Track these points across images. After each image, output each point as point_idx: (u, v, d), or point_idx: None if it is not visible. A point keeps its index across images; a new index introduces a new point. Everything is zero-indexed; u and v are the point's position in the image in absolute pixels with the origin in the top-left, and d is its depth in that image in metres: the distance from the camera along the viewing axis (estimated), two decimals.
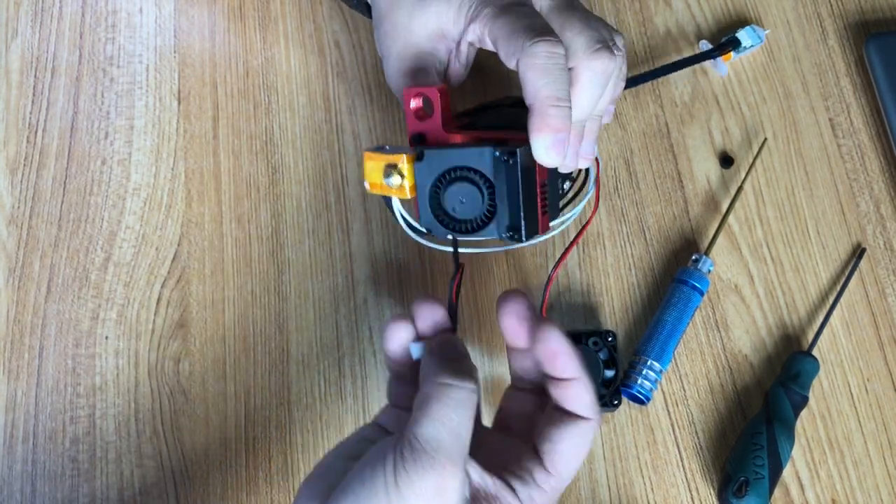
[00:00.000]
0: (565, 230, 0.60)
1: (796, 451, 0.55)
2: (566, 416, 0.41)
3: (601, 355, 0.55)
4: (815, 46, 0.66)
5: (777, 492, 0.54)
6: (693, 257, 0.58)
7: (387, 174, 0.46)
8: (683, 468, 0.55)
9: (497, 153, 0.44)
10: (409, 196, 0.47)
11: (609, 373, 0.55)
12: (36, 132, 0.61)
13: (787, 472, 0.55)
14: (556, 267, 0.53)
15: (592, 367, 0.54)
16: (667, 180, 0.62)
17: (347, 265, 0.59)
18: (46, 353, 0.56)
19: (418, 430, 0.37)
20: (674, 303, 0.56)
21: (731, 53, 0.64)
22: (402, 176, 0.46)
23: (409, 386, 0.42)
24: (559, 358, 0.41)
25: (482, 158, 0.45)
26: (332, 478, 0.39)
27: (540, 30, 0.44)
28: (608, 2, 0.67)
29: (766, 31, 0.65)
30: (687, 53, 0.65)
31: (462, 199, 0.46)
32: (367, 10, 0.57)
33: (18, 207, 0.60)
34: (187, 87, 0.63)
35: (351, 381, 0.56)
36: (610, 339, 0.56)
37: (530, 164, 0.45)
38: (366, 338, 0.57)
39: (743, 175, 0.60)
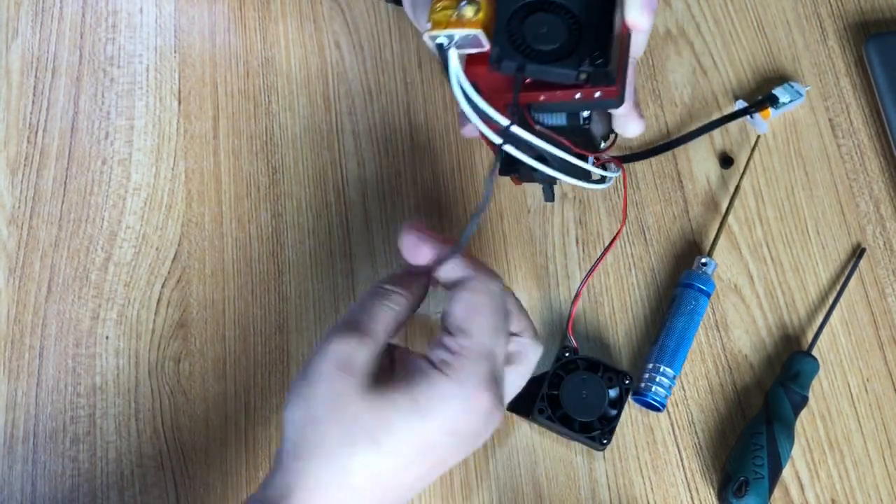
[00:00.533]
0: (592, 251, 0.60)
1: (796, 451, 0.55)
2: (452, 290, 0.43)
3: (611, 392, 0.54)
4: (815, 46, 0.66)
5: (777, 492, 0.54)
6: (702, 260, 0.57)
7: (460, 2, 0.42)
8: (683, 468, 0.55)
9: None
10: (481, 29, 0.41)
11: (612, 411, 0.54)
12: (36, 132, 0.62)
13: (786, 472, 0.55)
14: (583, 282, 0.52)
15: (597, 397, 0.54)
16: (667, 180, 0.62)
17: (347, 265, 0.59)
18: (47, 352, 0.56)
19: (344, 315, 0.43)
20: (683, 308, 0.56)
21: (770, 110, 0.62)
22: (478, 3, 0.42)
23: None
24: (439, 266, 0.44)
25: None
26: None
27: None
28: None
29: (808, 88, 0.63)
30: (686, 54, 0.65)
31: (543, 29, 0.42)
32: None
33: (19, 207, 0.60)
34: (187, 87, 0.63)
35: None
36: (626, 381, 0.54)
37: (618, 9, 0.43)
38: None
39: (740, 174, 0.60)
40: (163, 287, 0.58)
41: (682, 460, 0.55)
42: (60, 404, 0.55)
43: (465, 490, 0.54)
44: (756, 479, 0.52)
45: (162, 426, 0.55)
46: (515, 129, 0.43)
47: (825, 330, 0.58)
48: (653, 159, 0.62)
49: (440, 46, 0.42)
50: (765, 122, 0.62)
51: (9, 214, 0.59)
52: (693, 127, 0.62)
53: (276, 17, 0.66)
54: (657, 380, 0.54)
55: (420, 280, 0.45)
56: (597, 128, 0.48)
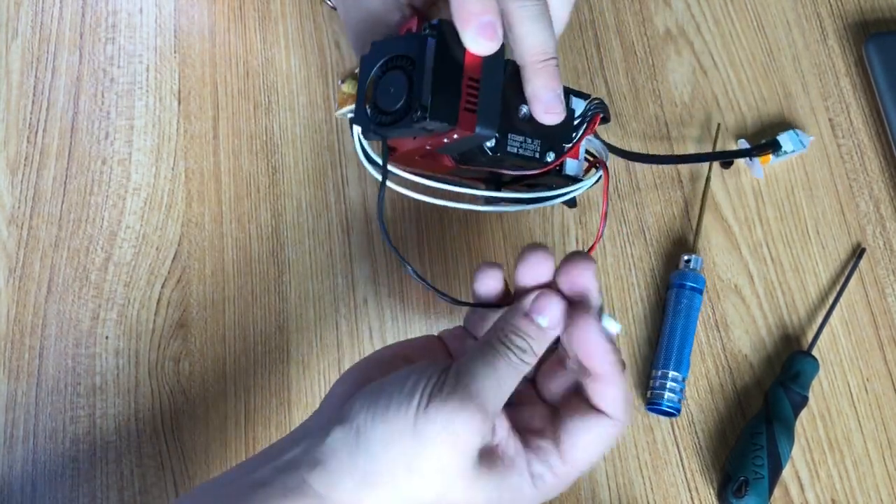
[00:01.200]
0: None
1: (796, 451, 0.55)
2: (592, 409, 0.41)
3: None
4: (815, 46, 0.66)
5: (777, 492, 0.54)
6: (684, 258, 0.58)
7: (344, 81, 0.43)
8: (683, 468, 0.55)
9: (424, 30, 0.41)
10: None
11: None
12: (36, 132, 0.62)
13: (786, 472, 0.55)
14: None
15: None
16: (667, 180, 0.62)
17: (347, 265, 0.59)
18: (46, 353, 0.56)
19: (470, 367, 0.38)
20: (678, 309, 0.56)
21: (770, 156, 0.60)
22: (354, 79, 0.43)
23: (485, 316, 0.44)
24: (595, 354, 0.40)
25: (412, 41, 0.42)
26: (377, 370, 0.42)
27: None
28: (608, 2, 0.67)
29: (811, 139, 0.62)
30: (686, 54, 0.65)
31: (391, 89, 0.42)
32: None
33: (19, 207, 0.60)
34: (187, 87, 0.63)
35: None
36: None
37: (454, 44, 0.41)
38: (366, 338, 0.57)
39: (706, 178, 0.60)
40: (163, 287, 0.58)
41: (682, 460, 0.55)
42: (60, 404, 0.55)
43: None
44: (756, 479, 0.52)
45: (162, 426, 0.55)
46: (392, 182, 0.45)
47: (825, 330, 0.58)
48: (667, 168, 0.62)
49: (349, 120, 0.44)
50: (762, 167, 0.61)
51: (9, 214, 0.59)
52: (690, 146, 0.62)
53: (276, 17, 0.66)
54: (668, 386, 0.54)
55: (550, 339, 0.41)
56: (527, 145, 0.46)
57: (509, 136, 0.45)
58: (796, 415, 0.55)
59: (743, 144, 0.61)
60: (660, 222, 0.61)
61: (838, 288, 0.59)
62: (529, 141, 0.45)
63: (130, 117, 0.62)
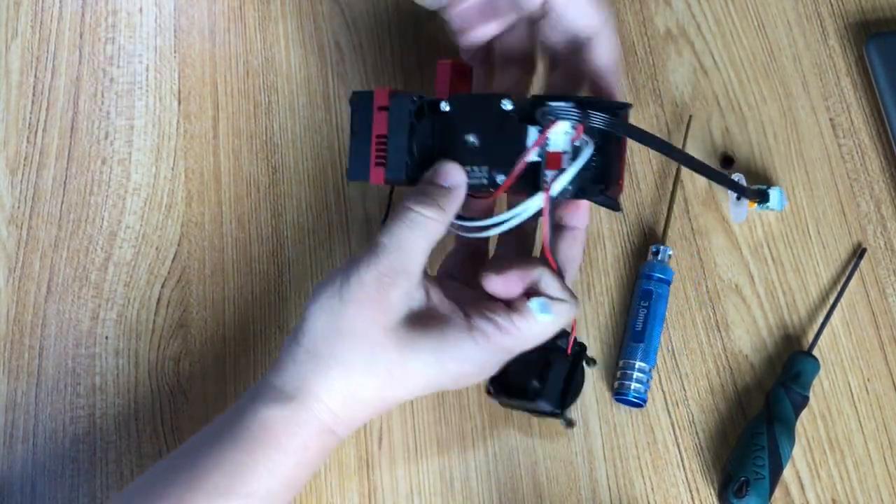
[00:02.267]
0: None
1: (797, 452, 0.55)
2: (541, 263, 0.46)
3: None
4: (815, 46, 0.66)
5: (777, 492, 0.54)
6: (652, 249, 0.58)
7: None
8: (684, 468, 0.55)
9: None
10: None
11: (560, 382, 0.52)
12: (36, 132, 0.61)
13: (787, 473, 0.55)
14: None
15: (546, 368, 0.51)
16: (667, 180, 0.62)
17: None
18: (46, 353, 0.56)
19: (383, 234, 0.44)
20: (645, 300, 0.57)
21: (756, 204, 0.57)
22: None
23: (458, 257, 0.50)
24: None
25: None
26: None
27: None
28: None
29: (786, 205, 0.59)
30: (686, 54, 0.65)
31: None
32: None
33: (18, 207, 0.60)
34: (187, 87, 0.63)
35: None
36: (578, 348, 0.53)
37: (364, 110, 0.48)
38: None
39: (677, 169, 0.61)
40: (163, 287, 0.58)
41: (682, 460, 0.55)
42: (60, 404, 0.55)
43: (466, 490, 0.54)
44: (757, 480, 0.52)
45: (162, 426, 0.55)
46: None
47: (826, 330, 0.58)
48: (653, 159, 0.62)
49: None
50: (745, 211, 0.60)
51: (8, 214, 0.59)
52: (690, 146, 0.62)
53: (276, 17, 0.66)
54: (634, 376, 0.55)
55: (455, 196, 0.46)
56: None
57: None
58: (797, 415, 0.55)
59: (738, 178, 0.59)
60: (660, 222, 0.61)
61: (839, 288, 0.59)
62: (476, 169, 0.46)
63: (130, 117, 0.62)
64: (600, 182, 0.45)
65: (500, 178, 0.46)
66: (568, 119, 0.44)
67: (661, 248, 0.58)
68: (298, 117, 0.63)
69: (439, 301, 0.45)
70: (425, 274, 0.45)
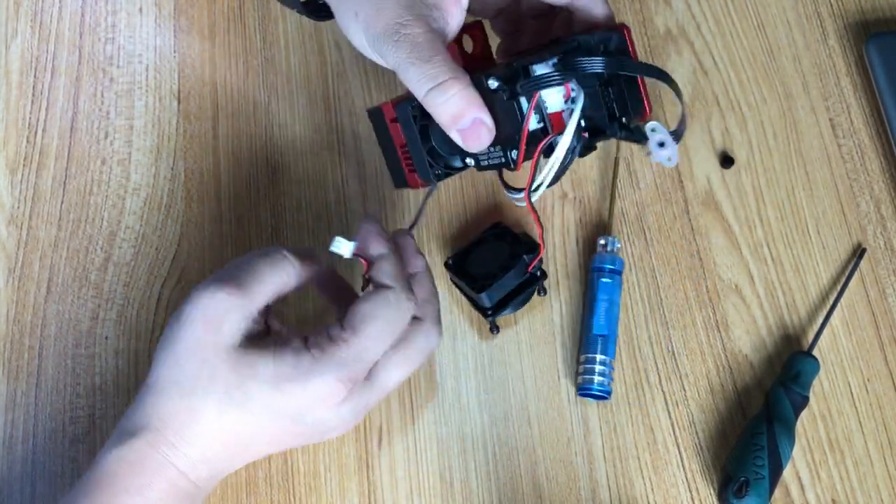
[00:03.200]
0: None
1: (796, 452, 0.55)
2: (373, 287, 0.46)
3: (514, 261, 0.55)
4: (815, 46, 0.66)
5: (777, 492, 0.54)
6: (600, 241, 0.58)
7: None
8: (684, 468, 0.55)
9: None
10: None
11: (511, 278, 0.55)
12: (36, 132, 0.61)
13: (787, 473, 0.55)
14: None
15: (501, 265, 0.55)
16: (667, 180, 0.62)
17: (347, 265, 0.59)
18: (46, 353, 0.56)
19: (226, 266, 0.45)
20: (598, 292, 0.57)
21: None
22: None
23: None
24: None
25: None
26: None
27: None
28: (608, 2, 0.67)
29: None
30: (686, 54, 0.65)
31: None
32: (304, 8, 0.56)
33: (18, 207, 0.60)
34: (187, 86, 0.63)
35: None
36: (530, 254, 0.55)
37: (381, 125, 0.51)
38: None
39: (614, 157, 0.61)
40: (162, 287, 0.58)
41: (682, 460, 0.55)
42: (60, 405, 0.55)
43: (465, 490, 0.54)
44: (756, 480, 0.52)
45: None
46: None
47: (826, 330, 0.58)
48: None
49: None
50: (674, 152, 0.55)
51: (8, 214, 0.59)
52: (691, 145, 0.62)
53: (276, 17, 0.66)
54: (596, 370, 0.55)
55: (316, 262, 0.47)
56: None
57: (473, 156, 0.50)
58: (797, 415, 0.55)
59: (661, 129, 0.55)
60: (660, 222, 0.61)
61: (839, 288, 0.59)
62: (493, 150, 0.48)
63: (130, 117, 0.62)
64: (615, 118, 0.46)
65: (514, 154, 0.47)
66: (546, 86, 0.44)
67: (609, 238, 0.58)
68: (298, 117, 0.63)
69: (279, 328, 0.46)
70: (270, 308, 0.46)
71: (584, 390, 0.55)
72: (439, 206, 0.61)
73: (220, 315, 0.43)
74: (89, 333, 0.57)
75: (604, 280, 0.57)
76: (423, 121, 0.49)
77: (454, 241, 0.60)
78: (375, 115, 0.52)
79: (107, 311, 0.57)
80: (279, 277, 0.45)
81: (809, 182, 0.62)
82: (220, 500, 0.53)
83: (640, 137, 0.46)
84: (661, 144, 0.54)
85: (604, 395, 0.55)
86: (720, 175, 0.62)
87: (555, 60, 0.44)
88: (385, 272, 0.46)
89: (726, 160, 0.62)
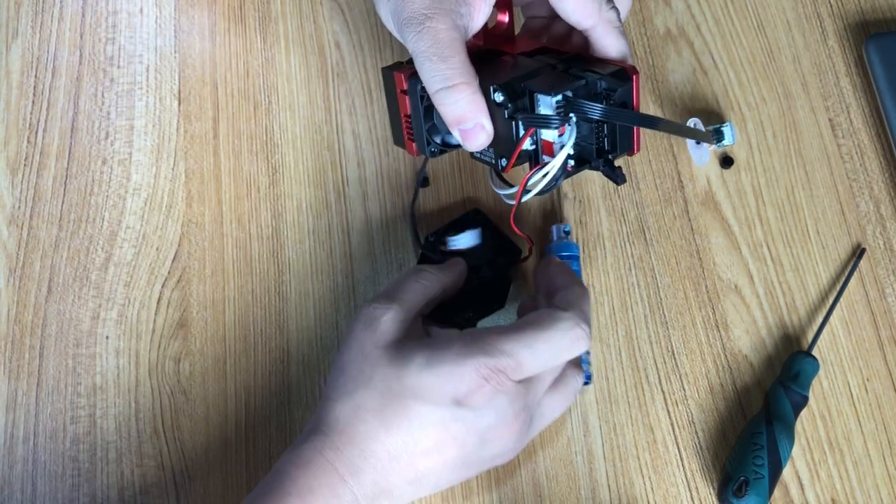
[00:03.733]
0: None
1: (796, 451, 0.55)
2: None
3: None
4: (815, 46, 0.66)
5: (777, 492, 0.54)
6: (552, 230, 0.59)
7: None
8: (683, 468, 0.55)
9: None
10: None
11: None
12: (36, 132, 0.62)
13: (786, 472, 0.55)
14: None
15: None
16: (667, 180, 0.62)
17: (347, 265, 0.59)
18: (47, 352, 0.56)
19: (394, 280, 0.50)
20: None
21: (714, 143, 0.60)
22: None
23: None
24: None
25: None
26: None
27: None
28: (626, 38, 0.67)
29: (737, 137, 0.62)
30: (686, 54, 0.66)
31: None
32: None
33: (19, 207, 0.60)
34: (187, 87, 0.63)
35: None
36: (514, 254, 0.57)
37: (391, 87, 0.52)
38: None
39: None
40: (163, 287, 0.58)
41: (682, 460, 0.55)
42: (60, 404, 0.55)
43: (465, 490, 0.54)
44: (756, 479, 0.52)
45: (162, 426, 0.55)
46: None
47: (825, 330, 0.58)
48: (653, 159, 0.62)
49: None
50: (706, 153, 0.61)
51: (9, 214, 0.59)
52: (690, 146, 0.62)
53: (276, 17, 0.66)
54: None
55: (457, 267, 0.52)
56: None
57: None
58: (796, 415, 0.55)
59: (695, 123, 0.61)
60: (660, 222, 0.61)
61: (838, 288, 0.59)
62: (487, 150, 0.51)
63: (130, 117, 0.62)
64: (603, 153, 0.48)
65: (504, 162, 0.49)
66: (544, 128, 0.46)
67: (557, 226, 0.59)
68: (298, 117, 0.63)
69: (437, 331, 0.49)
70: (425, 317, 0.50)
71: None
72: (439, 200, 0.61)
73: (375, 319, 0.47)
74: (90, 333, 0.57)
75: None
76: (429, 101, 0.50)
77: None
78: (388, 77, 0.53)
79: (107, 311, 0.57)
80: (420, 284, 0.49)
81: (809, 182, 0.62)
82: (221, 500, 0.53)
83: (619, 179, 0.48)
84: (698, 143, 0.60)
85: (585, 381, 0.55)
86: (720, 175, 0.62)
87: (559, 98, 0.45)
88: (575, 303, 0.47)
89: (726, 160, 0.62)
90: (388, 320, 0.47)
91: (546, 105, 0.46)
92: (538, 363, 0.45)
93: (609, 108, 0.45)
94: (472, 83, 0.46)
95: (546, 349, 0.45)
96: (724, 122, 0.60)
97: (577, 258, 0.58)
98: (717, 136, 0.60)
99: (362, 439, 0.44)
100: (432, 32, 0.45)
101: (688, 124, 0.61)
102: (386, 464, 0.44)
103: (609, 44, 0.50)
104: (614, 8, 0.50)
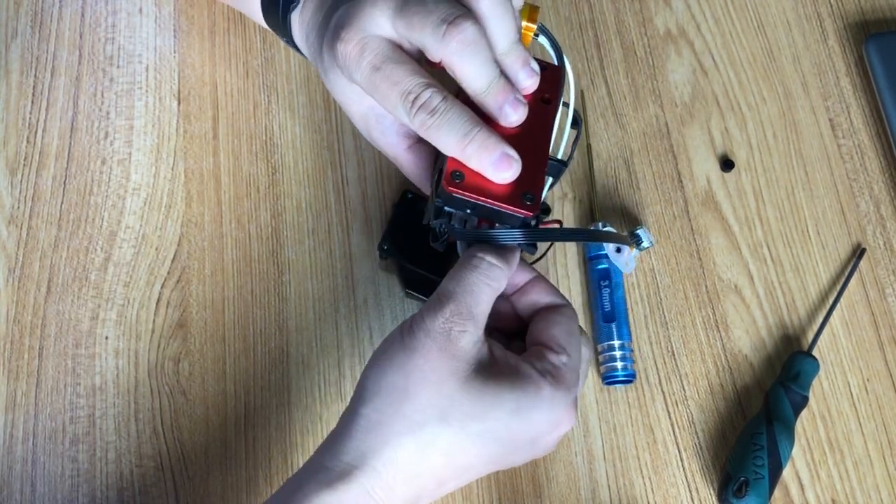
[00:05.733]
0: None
1: (796, 452, 0.55)
2: (545, 310, 0.45)
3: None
4: (815, 46, 0.66)
5: (777, 492, 0.54)
6: (603, 226, 0.58)
7: None
8: (683, 468, 0.55)
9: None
10: None
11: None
12: (36, 132, 0.61)
13: (787, 473, 0.55)
14: None
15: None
16: (667, 180, 0.62)
17: (347, 265, 0.59)
18: (46, 353, 0.56)
19: (440, 286, 0.42)
20: (600, 281, 0.57)
21: (635, 248, 0.58)
22: None
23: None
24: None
25: None
26: None
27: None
28: (608, 2, 0.67)
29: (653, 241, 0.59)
30: (686, 54, 0.65)
31: None
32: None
33: (18, 207, 0.60)
34: (187, 86, 0.63)
35: (351, 381, 0.56)
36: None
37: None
38: (366, 338, 0.57)
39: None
40: (162, 287, 0.58)
41: (682, 460, 0.55)
42: (60, 404, 0.55)
43: (466, 490, 0.54)
44: (756, 480, 0.52)
45: (161, 426, 0.55)
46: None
47: (825, 330, 0.58)
48: (653, 159, 0.62)
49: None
50: (631, 258, 0.58)
51: (8, 214, 0.59)
52: (690, 145, 0.62)
53: None
54: (617, 356, 0.55)
55: (515, 254, 0.45)
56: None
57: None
58: (796, 415, 0.55)
59: (602, 226, 0.59)
60: (660, 222, 0.61)
61: (838, 288, 0.59)
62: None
63: (130, 117, 0.62)
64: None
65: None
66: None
67: (598, 224, 0.58)
68: (298, 117, 0.63)
69: (501, 353, 0.43)
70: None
71: (609, 378, 0.55)
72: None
73: (455, 343, 0.41)
74: (89, 333, 0.57)
75: (604, 266, 0.57)
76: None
77: None
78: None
79: (107, 311, 0.57)
80: (490, 287, 0.43)
81: (809, 182, 0.62)
82: (221, 500, 0.53)
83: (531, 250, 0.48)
84: (619, 250, 0.57)
85: (629, 379, 0.55)
86: (720, 175, 0.62)
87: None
88: (550, 290, 0.46)
89: (727, 164, 0.62)
90: (467, 344, 0.41)
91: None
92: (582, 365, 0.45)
93: (525, 232, 0.44)
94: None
95: (581, 348, 0.45)
96: (637, 226, 0.58)
97: (606, 257, 0.58)
98: (635, 240, 0.57)
99: (418, 477, 0.41)
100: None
101: (596, 227, 0.58)
102: (432, 492, 0.42)
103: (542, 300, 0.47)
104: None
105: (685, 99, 0.64)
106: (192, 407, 0.55)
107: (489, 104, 0.44)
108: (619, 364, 0.55)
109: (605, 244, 0.58)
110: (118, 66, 0.64)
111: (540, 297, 0.46)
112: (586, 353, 0.46)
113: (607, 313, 0.56)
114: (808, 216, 0.61)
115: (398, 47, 0.45)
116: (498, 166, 0.43)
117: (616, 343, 0.56)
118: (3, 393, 0.55)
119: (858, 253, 0.60)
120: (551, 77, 0.48)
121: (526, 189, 0.44)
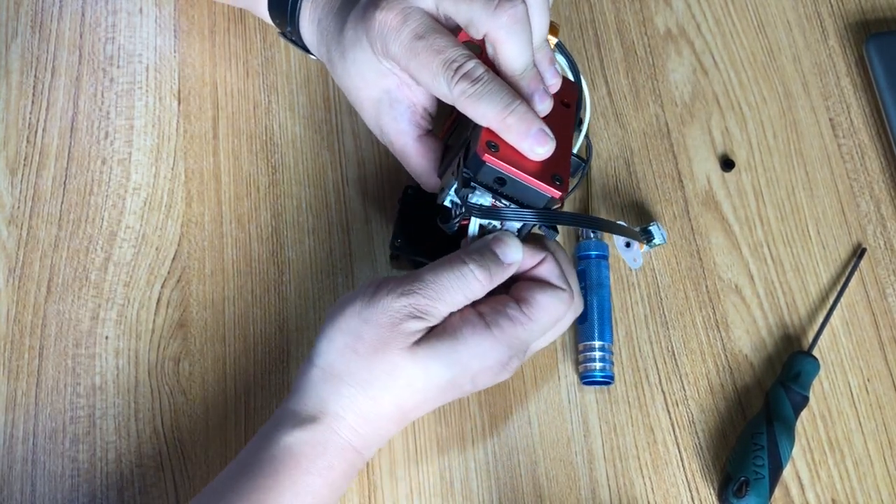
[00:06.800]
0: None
1: (796, 451, 0.55)
2: (544, 283, 0.48)
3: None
4: (815, 46, 0.66)
5: (777, 492, 0.54)
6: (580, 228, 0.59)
7: None
8: (683, 468, 0.55)
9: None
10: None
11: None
12: (36, 132, 0.61)
13: (787, 472, 0.55)
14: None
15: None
16: (667, 180, 0.62)
17: (347, 265, 0.59)
18: (46, 352, 0.56)
19: (420, 272, 0.46)
20: (590, 281, 0.57)
21: (645, 244, 0.58)
22: None
23: None
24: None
25: None
26: None
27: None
28: (608, 2, 0.67)
29: (666, 237, 0.59)
30: (686, 54, 0.65)
31: None
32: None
33: (18, 207, 0.60)
34: (187, 86, 0.63)
35: None
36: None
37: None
38: None
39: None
40: (162, 287, 0.58)
41: (682, 460, 0.55)
42: (60, 404, 0.55)
43: (465, 490, 0.54)
44: (756, 479, 0.52)
45: (162, 426, 0.55)
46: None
47: (826, 330, 0.58)
48: (653, 159, 0.62)
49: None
50: (639, 254, 0.59)
51: (8, 214, 0.59)
52: (690, 146, 0.62)
53: None
54: (597, 356, 0.55)
55: (506, 272, 0.47)
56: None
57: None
58: (797, 415, 0.55)
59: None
60: (660, 222, 0.61)
61: (839, 288, 0.59)
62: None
63: (130, 117, 0.62)
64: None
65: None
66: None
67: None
68: (298, 117, 0.63)
69: (455, 315, 0.47)
70: None
71: (587, 378, 0.55)
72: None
73: (408, 326, 0.45)
74: (89, 333, 0.57)
75: (592, 266, 0.57)
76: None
77: None
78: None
79: (107, 311, 0.57)
80: (464, 296, 0.46)
81: (809, 182, 0.62)
82: None
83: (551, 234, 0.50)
84: (628, 245, 0.58)
85: (607, 381, 0.55)
86: (720, 175, 0.62)
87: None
88: (556, 274, 0.48)
89: (727, 163, 0.62)
90: (417, 328, 0.45)
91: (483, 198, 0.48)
92: (540, 336, 0.48)
93: (541, 213, 0.47)
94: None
95: (550, 326, 0.48)
96: (650, 222, 0.58)
97: (606, 258, 0.58)
98: (647, 236, 0.57)
99: (377, 420, 0.46)
100: None
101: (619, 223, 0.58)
102: (392, 430, 0.48)
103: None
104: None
105: (685, 98, 0.64)
106: (192, 407, 0.55)
107: (523, 87, 0.47)
108: (597, 365, 0.55)
109: (615, 238, 0.58)
110: (118, 66, 0.64)
111: (537, 282, 0.49)
112: (561, 323, 0.49)
113: (592, 315, 0.56)
114: (809, 216, 0.61)
115: (437, 21, 0.47)
116: (536, 139, 0.45)
117: (596, 344, 0.55)
118: (3, 393, 0.55)
119: (859, 253, 0.60)
120: (568, 87, 0.51)
121: (554, 171, 0.45)
